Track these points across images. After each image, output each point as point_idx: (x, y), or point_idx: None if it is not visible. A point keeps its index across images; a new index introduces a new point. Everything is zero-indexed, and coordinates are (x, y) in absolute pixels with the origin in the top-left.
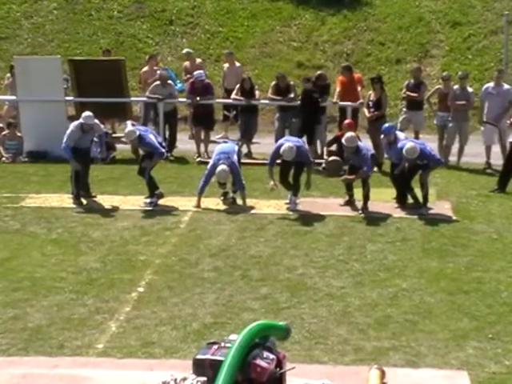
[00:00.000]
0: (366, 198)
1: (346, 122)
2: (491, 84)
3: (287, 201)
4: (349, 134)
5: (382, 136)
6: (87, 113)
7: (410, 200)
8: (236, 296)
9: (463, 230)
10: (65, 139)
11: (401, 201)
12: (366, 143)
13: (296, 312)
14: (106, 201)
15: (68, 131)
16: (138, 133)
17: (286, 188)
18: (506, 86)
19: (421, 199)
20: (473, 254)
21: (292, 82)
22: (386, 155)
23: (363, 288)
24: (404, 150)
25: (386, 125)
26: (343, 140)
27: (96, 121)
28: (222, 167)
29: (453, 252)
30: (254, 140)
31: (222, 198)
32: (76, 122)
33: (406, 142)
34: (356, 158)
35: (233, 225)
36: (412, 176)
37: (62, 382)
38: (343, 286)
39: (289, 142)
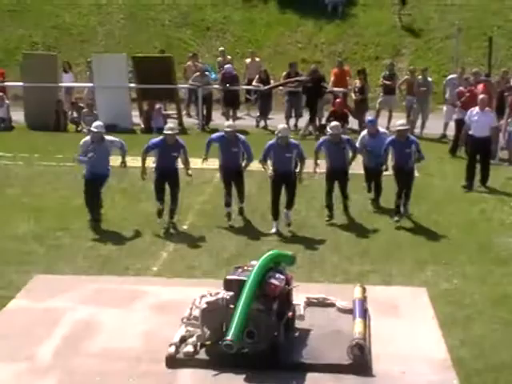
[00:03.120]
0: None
1: (337, 100)
2: (454, 75)
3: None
4: (334, 123)
5: (366, 130)
6: (97, 122)
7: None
8: (256, 232)
9: (424, 184)
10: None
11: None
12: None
13: (300, 244)
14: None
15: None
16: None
17: (275, 217)
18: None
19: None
20: (431, 202)
21: (300, 71)
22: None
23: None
24: (397, 123)
25: (370, 117)
26: (328, 128)
27: (110, 137)
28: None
29: (416, 201)
30: (269, 116)
31: (226, 218)
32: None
33: (387, 136)
34: (338, 149)
35: (254, 180)
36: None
37: (126, 294)
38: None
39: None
